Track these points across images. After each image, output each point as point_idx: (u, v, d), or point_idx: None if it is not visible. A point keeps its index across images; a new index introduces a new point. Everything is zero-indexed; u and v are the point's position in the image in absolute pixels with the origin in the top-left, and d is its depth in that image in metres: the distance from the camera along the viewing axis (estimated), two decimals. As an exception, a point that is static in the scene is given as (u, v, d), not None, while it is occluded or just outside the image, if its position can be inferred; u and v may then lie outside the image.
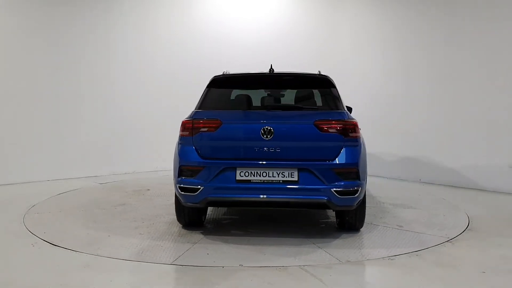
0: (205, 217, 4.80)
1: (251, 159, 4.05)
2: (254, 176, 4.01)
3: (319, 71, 4.77)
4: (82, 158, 7.74)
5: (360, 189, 4.03)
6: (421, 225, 4.81)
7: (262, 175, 4.00)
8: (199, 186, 4.04)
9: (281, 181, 3.99)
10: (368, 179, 7.85)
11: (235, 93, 4.80)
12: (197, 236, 4.36)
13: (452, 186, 7.41)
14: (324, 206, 4.10)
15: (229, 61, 7.98)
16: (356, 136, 4.13)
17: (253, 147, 4.06)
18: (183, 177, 4.14)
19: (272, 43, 9.12)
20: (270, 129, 4.02)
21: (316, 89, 4.76)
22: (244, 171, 4.02)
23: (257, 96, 4.87)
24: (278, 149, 4.03)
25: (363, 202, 4.30)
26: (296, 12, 9.47)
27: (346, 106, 6.07)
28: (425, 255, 3.88)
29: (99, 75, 7.92)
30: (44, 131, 7.39)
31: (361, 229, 4.56)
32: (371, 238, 4.35)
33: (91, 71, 7.83)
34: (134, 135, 8.24)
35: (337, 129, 4.06)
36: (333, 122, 4.10)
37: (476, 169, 7.20)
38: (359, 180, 4.03)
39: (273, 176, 4.00)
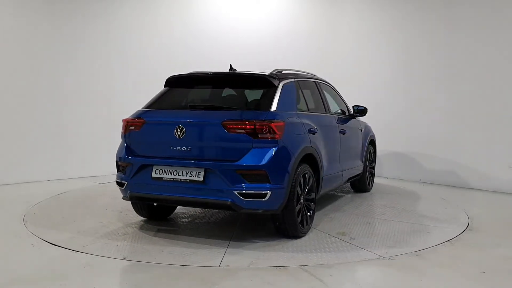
0: (170, 212, 5.05)
1: (165, 158, 4.16)
2: (166, 174, 4.10)
3: (274, 70, 4.59)
4: (82, 158, 7.74)
5: (270, 193, 3.86)
6: (378, 238, 4.33)
7: (173, 174, 4.07)
8: (124, 181, 4.34)
9: (188, 181, 4.00)
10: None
11: (181, 92, 4.78)
12: (132, 230, 4.55)
13: (452, 186, 7.42)
14: (229, 208, 3.95)
15: (229, 61, 7.97)
16: (270, 138, 3.91)
17: (168, 146, 4.14)
18: (118, 172, 4.48)
19: (272, 43, 9.12)
20: (183, 128, 4.06)
21: (257, 89, 4.52)
22: (159, 169, 4.13)
23: (201, 95, 4.79)
24: (189, 148, 4.06)
25: (290, 207, 4.07)
26: (296, 12, 9.47)
27: (359, 106, 6.01)
28: (425, 255, 3.88)
29: (99, 75, 7.92)
30: (44, 131, 7.39)
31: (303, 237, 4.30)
32: (289, 246, 4.05)
33: (91, 71, 7.83)
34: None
35: (245, 130, 3.90)
36: (241, 122, 3.93)
37: (476, 169, 7.20)
38: (270, 183, 3.87)
39: (182, 175, 4.03)
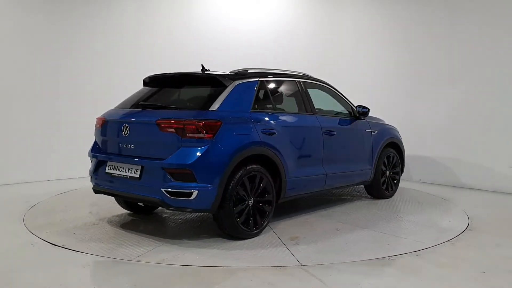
0: (153, 208, 5.18)
1: (115, 154, 4.40)
2: (114, 170, 4.32)
3: (237, 70, 4.68)
4: (82, 158, 7.70)
5: (197, 192, 3.85)
6: (324, 246, 4.09)
7: (119, 170, 4.27)
8: (89, 175, 4.67)
9: (128, 177, 4.17)
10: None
11: (146, 92, 4.80)
12: (105, 224, 4.75)
13: (452, 186, 7.41)
14: (160, 205, 4.14)
15: (228, 61, 7.97)
16: (199, 137, 3.90)
17: (118, 143, 4.39)
18: (90, 168, 4.71)
19: (273, 43, 9.10)
20: (127, 127, 4.26)
21: (209, 88, 4.44)
22: (110, 165, 4.38)
23: (157, 95, 4.79)
24: (131, 146, 4.25)
25: (226, 208, 4.02)
26: (296, 12, 9.45)
27: (363, 108, 5.80)
28: (425, 255, 3.88)
29: (99, 75, 7.91)
30: (44, 131, 7.38)
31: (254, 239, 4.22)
32: (219, 245, 4.04)
33: (91, 71, 7.82)
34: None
35: (174, 129, 3.94)
36: (171, 121, 3.98)
37: (476, 169, 7.20)
38: (197, 182, 3.86)
39: (125, 172, 4.21)
